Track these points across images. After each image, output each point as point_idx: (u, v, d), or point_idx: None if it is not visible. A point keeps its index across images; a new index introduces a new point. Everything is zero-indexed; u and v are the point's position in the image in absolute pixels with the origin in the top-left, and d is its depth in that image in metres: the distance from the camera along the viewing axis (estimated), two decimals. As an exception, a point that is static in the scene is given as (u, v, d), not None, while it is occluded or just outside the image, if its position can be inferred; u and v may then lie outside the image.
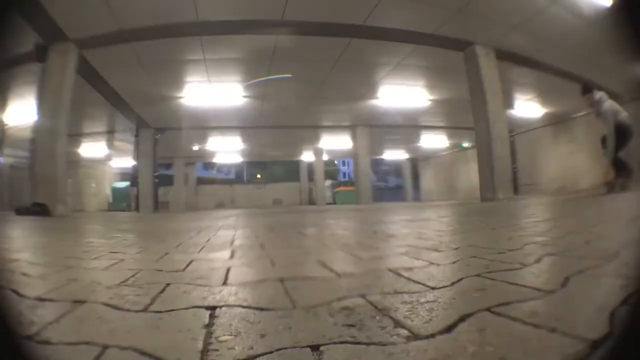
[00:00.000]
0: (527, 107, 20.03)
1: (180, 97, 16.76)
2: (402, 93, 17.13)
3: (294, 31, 11.25)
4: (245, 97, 17.01)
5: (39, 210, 9.82)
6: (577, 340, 0.85)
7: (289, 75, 14.70)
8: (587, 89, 10.49)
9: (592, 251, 1.99)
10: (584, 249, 2.08)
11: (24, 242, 3.97)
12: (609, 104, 9.92)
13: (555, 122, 22.07)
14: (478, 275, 1.59)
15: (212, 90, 16.04)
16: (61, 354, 0.91)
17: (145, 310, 1.26)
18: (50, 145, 10.59)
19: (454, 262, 1.95)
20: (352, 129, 23.69)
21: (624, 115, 9.80)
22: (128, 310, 1.25)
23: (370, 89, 16.82)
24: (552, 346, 0.85)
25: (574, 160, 21.22)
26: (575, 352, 0.80)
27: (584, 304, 1.14)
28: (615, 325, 0.90)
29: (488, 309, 1.11)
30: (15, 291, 1.48)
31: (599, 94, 10.07)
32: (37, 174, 10.60)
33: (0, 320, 0.95)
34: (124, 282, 1.72)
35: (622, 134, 9.62)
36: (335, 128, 24.25)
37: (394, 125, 22.99)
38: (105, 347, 0.93)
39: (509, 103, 17.56)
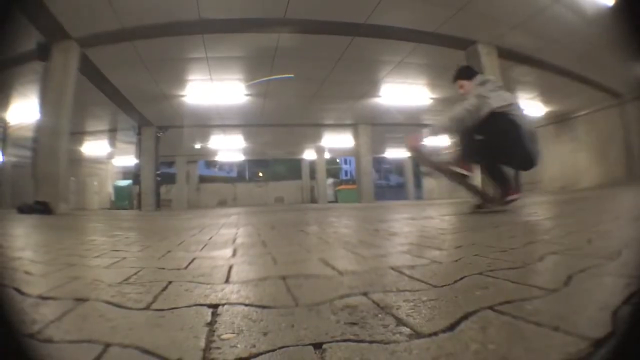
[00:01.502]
0: (529, 106, 20.05)
1: (182, 96, 16.82)
2: (403, 91, 17.19)
3: (296, 29, 11.28)
4: (247, 95, 17.05)
5: (41, 208, 9.84)
6: (579, 339, 0.85)
7: (291, 75, 14.74)
8: (466, 73, 6.99)
9: (595, 250, 1.99)
10: (586, 248, 2.08)
11: (26, 240, 3.97)
12: (500, 94, 6.35)
13: (557, 121, 22.11)
14: (480, 273, 1.59)
15: (214, 89, 16.07)
16: (63, 352, 0.91)
17: (147, 308, 1.26)
18: (52, 144, 10.62)
19: (456, 261, 1.95)
20: (354, 127, 23.79)
21: (519, 113, 6.29)
22: (130, 308, 1.26)
23: (372, 87, 16.87)
24: (554, 345, 0.84)
25: (575, 159, 21.29)
26: (577, 351, 0.80)
27: (586, 303, 1.15)
28: (618, 324, 0.90)
29: (490, 307, 1.11)
30: (17, 289, 1.48)
31: (482, 79, 6.74)
32: (40, 173, 10.64)
33: (2, 319, 0.96)
34: (126, 280, 1.72)
35: (505, 134, 6.04)
36: (337, 126, 24.29)
37: (395, 123, 23.00)
38: (108, 345, 0.93)
39: (510, 102, 17.56)
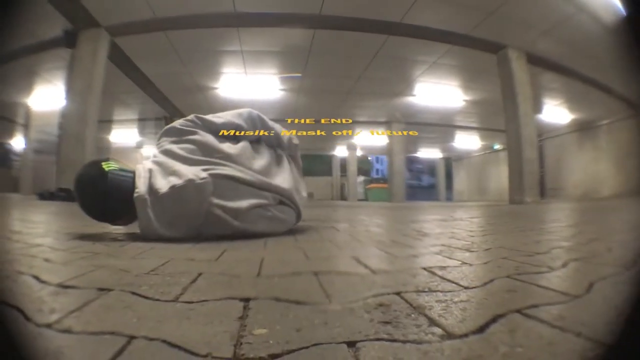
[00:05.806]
0: (555, 113, 20.06)
1: (215, 88, 16.93)
2: (437, 92, 17.26)
3: (332, 25, 11.33)
4: (281, 90, 17.15)
5: (64, 195, 9.90)
6: (598, 345, 0.88)
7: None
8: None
9: (614, 258, 2.05)
10: (606, 256, 2.13)
11: (47, 227, 4.00)
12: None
13: (581, 129, 22.09)
14: (508, 276, 1.61)
15: (248, 82, 16.15)
16: (83, 344, 0.91)
17: (175, 300, 1.26)
18: (79, 131, 10.76)
19: (485, 263, 1.97)
20: (387, 125, 23.78)
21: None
22: (157, 300, 1.26)
23: (406, 86, 16.95)
24: (577, 350, 0.87)
25: (597, 168, 21.29)
26: (594, 356, 0.83)
27: (606, 309, 1.18)
28: (631, 331, 0.91)
29: (518, 311, 1.12)
30: (36, 277, 1.50)
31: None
32: (64, 159, 10.75)
33: (19, 308, 0.95)
34: (153, 270, 1.74)
35: None
36: (370, 124, 24.42)
37: (429, 123, 23.08)
38: (132, 338, 0.93)
39: (538, 107, 17.56)
